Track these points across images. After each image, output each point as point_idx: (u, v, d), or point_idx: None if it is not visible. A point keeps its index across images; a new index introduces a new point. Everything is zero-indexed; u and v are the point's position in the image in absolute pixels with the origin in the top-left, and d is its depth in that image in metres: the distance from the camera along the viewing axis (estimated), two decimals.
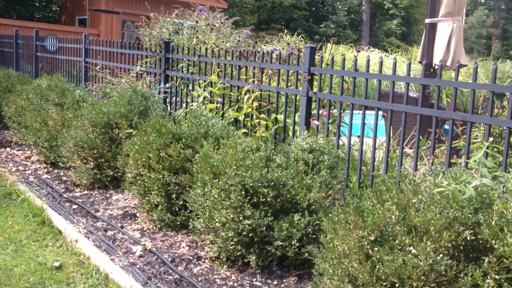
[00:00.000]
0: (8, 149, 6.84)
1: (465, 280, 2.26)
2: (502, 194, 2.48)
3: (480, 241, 2.35)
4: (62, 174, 5.72)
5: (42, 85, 6.82)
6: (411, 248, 2.34)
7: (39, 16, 16.79)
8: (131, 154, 4.43)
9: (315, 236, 3.30)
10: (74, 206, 4.70)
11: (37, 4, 17.15)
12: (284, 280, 3.32)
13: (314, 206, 3.41)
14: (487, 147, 2.72)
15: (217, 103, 5.26)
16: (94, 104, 5.52)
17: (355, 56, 4.17)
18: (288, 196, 3.41)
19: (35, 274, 3.39)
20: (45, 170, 5.89)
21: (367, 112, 3.98)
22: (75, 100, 6.14)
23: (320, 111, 4.38)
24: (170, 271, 3.45)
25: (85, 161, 5.17)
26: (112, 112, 5.27)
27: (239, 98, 5.06)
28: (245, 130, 4.83)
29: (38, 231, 4.11)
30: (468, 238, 2.33)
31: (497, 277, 2.21)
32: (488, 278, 2.19)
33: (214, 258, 3.58)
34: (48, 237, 4.00)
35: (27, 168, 5.94)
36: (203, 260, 3.63)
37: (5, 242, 3.88)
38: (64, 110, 6.01)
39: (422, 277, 2.26)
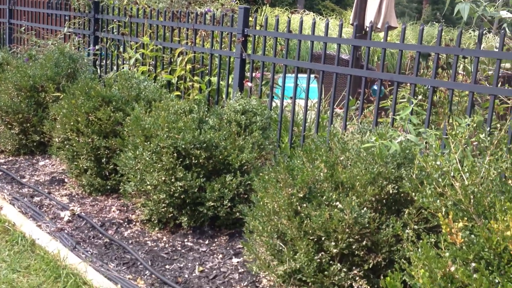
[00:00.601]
0: None
1: (387, 231, 2.34)
2: (424, 149, 2.57)
3: (402, 195, 2.43)
4: None
5: None
6: (337, 203, 2.38)
7: None
8: (58, 118, 4.27)
9: (246, 196, 3.31)
10: None
11: None
12: (216, 240, 3.32)
13: (246, 167, 3.42)
14: (413, 104, 2.79)
15: (149, 66, 5.12)
16: (18, 66, 5.25)
17: (288, 17, 4.15)
18: (220, 157, 3.39)
19: None
20: None
21: (300, 75, 3.98)
22: None
23: (254, 74, 4.35)
24: (100, 235, 3.38)
25: (9, 126, 4.94)
26: (38, 75, 5.05)
27: (172, 60, 4.94)
28: (178, 93, 4.74)
29: None
30: (391, 192, 2.40)
31: (416, 227, 2.30)
32: (408, 228, 2.27)
33: (145, 221, 3.53)
34: None
35: None
36: (134, 223, 3.58)
37: None
38: None
39: (347, 230, 2.31)
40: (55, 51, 5.31)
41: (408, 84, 3.85)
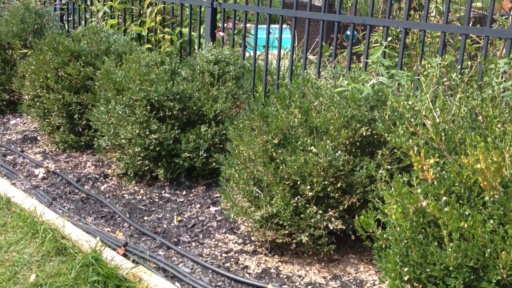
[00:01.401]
0: None
1: (360, 173, 2.37)
2: (397, 91, 2.58)
3: (375, 136, 2.45)
4: None
5: None
6: (312, 147, 2.39)
7: None
8: (27, 75, 4.16)
9: (222, 145, 3.31)
10: None
11: None
12: (193, 190, 3.33)
13: (220, 117, 3.40)
14: (385, 47, 2.78)
15: (118, 19, 4.99)
16: None
17: None
18: (194, 108, 3.36)
19: None
20: None
21: (272, 26, 3.92)
22: None
23: (226, 23, 4.28)
24: (76, 191, 3.36)
25: None
26: (3, 32, 4.91)
27: (141, 12, 4.82)
28: (149, 46, 4.65)
29: None
30: (364, 134, 2.42)
31: (389, 167, 2.33)
32: (381, 169, 2.30)
33: (121, 175, 3.51)
34: None
35: None
36: (110, 177, 3.56)
37: None
38: None
39: (322, 173, 2.33)
40: (20, 7, 5.14)
41: (381, 28, 3.82)
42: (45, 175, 3.58)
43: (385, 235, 1.90)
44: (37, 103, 4.03)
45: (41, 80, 3.97)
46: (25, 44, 4.87)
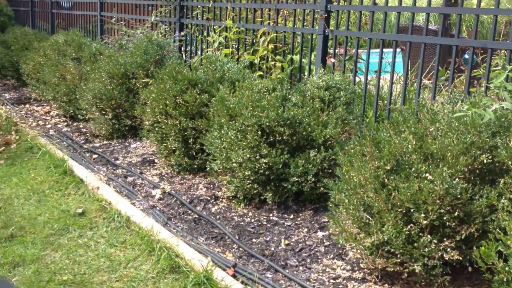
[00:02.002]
0: (27, 105, 6.92)
1: (480, 202, 2.23)
2: None
3: (497, 164, 2.30)
4: (81, 126, 5.78)
5: (59, 41, 6.81)
6: (427, 174, 2.30)
7: None
8: (148, 103, 4.43)
9: (330, 170, 3.28)
10: (94, 156, 4.75)
11: None
12: (300, 214, 3.33)
13: (330, 142, 3.38)
14: (507, 70, 2.62)
15: (232, 48, 5.19)
16: (111, 56, 5.51)
17: None
18: (304, 133, 3.38)
19: (59, 221, 3.46)
20: (65, 123, 5.95)
21: (384, 49, 3.87)
22: (92, 53, 6.13)
23: (337, 49, 4.29)
24: (189, 212, 3.49)
25: (103, 112, 5.20)
26: (128, 63, 5.27)
27: (254, 41, 4.98)
28: (261, 73, 4.77)
29: (60, 181, 4.18)
30: (485, 161, 2.28)
31: None
32: (503, 198, 2.15)
33: (231, 197, 3.60)
34: (70, 186, 4.06)
35: (47, 123, 6.01)
36: (220, 200, 3.66)
37: (28, 193, 3.96)
38: (82, 64, 6.01)
39: (438, 201, 2.22)
40: (143, 40, 5.51)
41: (503, 51, 3.62)
42: (161, 196, 3.76)
43: (507, 268, 1.76)
44: (156, 128, 4.27)
45: (160, 107, 4.21)
46: (147, 73, 5.21)
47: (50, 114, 6.42)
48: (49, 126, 5.87)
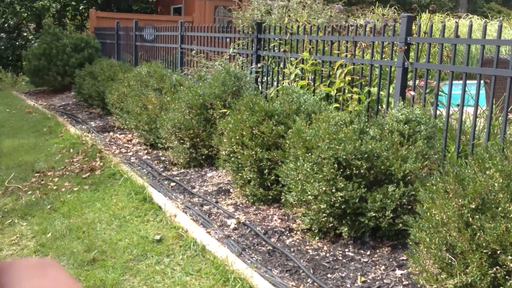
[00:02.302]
0: (111, 133, 7.25)
1: None
2: None
3: None
4: (160, 154, 5.97)
5: (142, 72, 7.13)
6: None
7: (137, 8, 17.60)
8: (225, 133, 4.52)
9: (410, 206, 3.18)
10: (172, 184, 4.89)
11: None
12: (377, 250, 3.24)
13: (409, 177, 3.29)
14: None
15: (308, 80, 5.22)
16: (190, 87, 5.69)
17: (456, 22, 3.95)
18: (382, 167, 3.31)
19: (138, 247, 3.56)
20: (145, 151, 6.17)
21: (467, 81, 3.76)
22: (173, 84, 6.37)
23: (416, 82, 4.20)
24: (263, 243, 3.49)
25: (181, 141, 5.35)
26: (207, 94, 5.41)
27: (330, 73, 4.98)
28: (337, 105, 4.75)
29: (140, 207, 4.32)
30: None
31: None
32: None
33: (305, 230, 3.57)
34: (149, 212, 4.19)
35: (128, 150, 6.26)
36: (295, 232, 3.64)
37: (110, 218, 4.12)
38: (163, 95, 6.25)
39: None
40: (221, 71, 5.66)
41: None
42: (236, 225, 3.80)
43: None
44: (232, 158, 4.34)
45: (237, 137, 4.28)
46: (224, 104, 5.33)
47: (132, 142, 6.69)
48: (130, 153, 6.11)
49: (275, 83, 5.83)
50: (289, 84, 5.31)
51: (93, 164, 5.53)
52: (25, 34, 19.27)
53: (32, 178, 5.29)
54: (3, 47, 18.02)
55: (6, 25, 18.45)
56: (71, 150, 6.25)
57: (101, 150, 6.09)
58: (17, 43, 18.52)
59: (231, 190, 4.63)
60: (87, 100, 8.86)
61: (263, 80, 6.16)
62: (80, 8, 18.84)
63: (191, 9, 15.27)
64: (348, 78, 4.72)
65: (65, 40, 11.06)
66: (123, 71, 8.41)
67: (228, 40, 6.96)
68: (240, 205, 4.25)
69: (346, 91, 4.76)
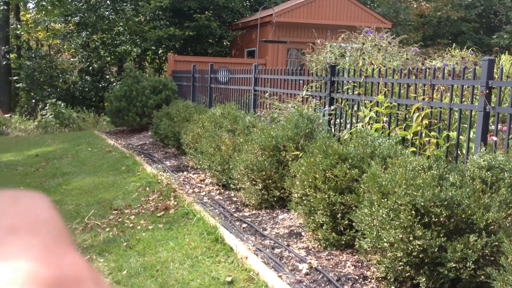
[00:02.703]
0: (185, 173, 7.41)
1: None
2: None
3: None
4: (232, 195, 6.02)
5: (216, 113, 7.31)
6: None
7: (211, 51, 18.21)
8: (297, 175, 4.51)
9: (493, 258, 3.01)
10: (244, 225, 4.90)
11: (211, 41, 18.64)
12: None
13: (492, 227, 3.12)
14: None
15: (383, 123, 5.14)
16: (263, 129, 5.76)
17: None
18: (463, 216, 3.17)
19: None
20: (218, 191, 6.25)
21: None
22: (246, 126, 6.47)
23: (499, 127, 4.03)
24: None
25: (254, 182, 5.38)
26: (279, 136, 5.45)
27: (406, 116, 4.88)
28: (414, 149, 4.63)
29: (211, 248, 4.35)
30: None
31: None
32: None
33: (380, 278, 3.45)
34: (220, 253, 4.20)
35: (201, 190, 6.37)
36: (369, 280, 3.52)
37: (182, 258, 4.17)
38: (236, 136, 6.35)
39: None
40: (294, 113, 5.70)
41: None
42: (308, 270, 3.73)
43: None
44: (305, 201, 4.30)
45: (310, 180, 4.25)
46: (297, 146, 5.33)
47: (204, 182, 6.81)
48: (203, 193, 6.21)
49: (348, 126, 5.79)
50: (363, 127, 5.25)
51: (168, 203, 5.66)
52: (107, 76, 20.38)
53: (110, 215, 5.48)
54: (87, 89, 19.13)
55: (90, 68, 19.63)
56: (147, 189, 6.44)
57: (175, 189, 6.24)
58: (100, 85, 19.60)
59: (302, 233, 4.57)
60: (163, 140, 9.15)
61: (336, 122, 6.13)
62: (159, 52, 19.75)
63: (264, 52, 15.60)
64: (425, 121, 4.61)
65: (144, 83, 11.57)
66: (198, 112, 8.64)
67: (301, 82, 7.03)
68: (312, 249, 4.18)
69: (423, 135, 4.64)
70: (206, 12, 16.66)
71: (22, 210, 0.33)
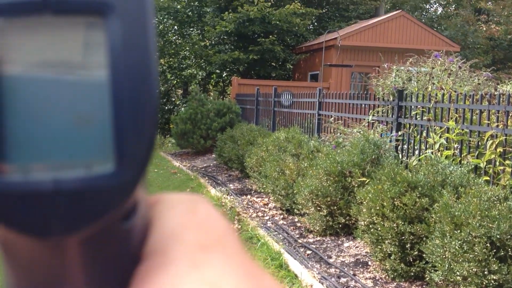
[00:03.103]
0: (248, 196, 7.44)
1: None
2: None
3: None
4: (296, 220, 5.97)
5: (280, 137, 7.32)
6: None
7: (275, 74, 18.36)
8: (364, 202, 4.42)
9: None
10: (308, 252, 4.84)
11: (274, 64, 18.81)
12: None
13: None
14: None
15: (454, 150, 4.97)
16: (328, 154, 5.70)
17: None
18: None
19: None
20: (281, 216, 6.22)
21: None
22: (310, 150, 6.43)
23: None
24: None
25: (318, 208, 5.32)
26: (345, 161, 5.38)
27: (479, 144, 4.70)
28: (487, 178, 4.44)
29: (275, 274, 4.31)
30: None
31: None
32: None
33: None
34: (285, 280, 4.16)
35: (265, 214, 6.36)
36: None
37: None
38: (300, 160, 6.32)
39: None
40: (360, 139, 5.61)
41: None
42: None
43: None
44: (372, 229, 4.20)
45: (377, 208, 4.16)
46: (363, 172, 5.24)
47: (268, 206, 6.80)
48: (267, 217, 6.20)
49: (416, 152, 5.63)
50: (432, 153, 5.10)
51: (232, 227, 5.68)
52: (173, 99, 20.95)
53: None
54: None
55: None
56: None
57: (239, 213, 6.26)
58: (166, 107, 20.17)
59: (369, 262, 4.46)
60: (227, 162, 9.25)
61: (404, 148, 5.99)
62: (223, 75, 20.13)
63: (328, 75, 15.56)
64: (499, 149, 4.41)
65: (209, 106, 11.79)
66: (262, 136, 8.69)
67: (366, 106, 6.93)
68: (380, 279, 4.06)
69: (498, 163, 4.44)
70: (270, 36, 16.85)
71: (201, 220, 0.30)
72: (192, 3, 19.79)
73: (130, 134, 0.26)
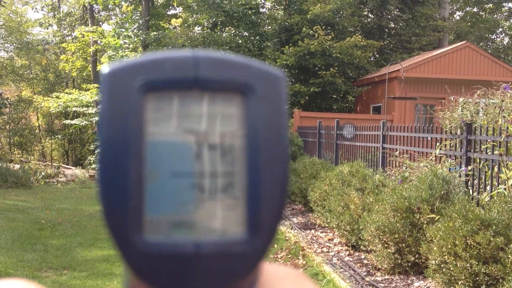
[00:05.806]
0: (312, 231, 7.37)
1: None
2: None
3: None
4: (363, 257, 5.86)
5: (343, 171, 7.25)
6: None
7: (336, 107, 18.27)
8: (435, 240, 4.30)
9: None
10: None
11: (335, 97, 18.75)
12: None
13: None
14: None
15: None
16: (394, 188, 5.60)
17: None
18: None
19: None
20: (347, 252, 6.12)
21: None
22: (375, 185, 6.33)
23: None
24: None
25: (385, 245, 5.21)
26: (413, 197, 5.25)
27: None
28: None
29: None
30: None
31: None
32: None
33: None
34: None
35: (330, 250, 6.27)
36: None
37: None
38: (365, 195, 6.23)
39: None
40: (428, 173, 5.47)
41: None
42: None
43: None
44: (444, 269, 4.06)
45: (448, 246, 4.03)
46: (432, 209, 5.09)
47: (333, 241, 6.71)
48: (332, 253, 6.11)
49: (488, 188, 5.43)
50: (505, 189, 4.91)
51: (296, 262, 5.64)
52: None
53: None
54: None
55: None
56: (275, 246, 6.48)
57: (303, 248, 6.21)
58: None
59: None
60: (290, 196, 9.24)
61: (474, 183, 5.78)
62: None
63: (391, 108, 15.34)
64: None
65: None
66: (325, 169, 8.64)
67: (431, 139, 6.77)
68: None
69: None
70: (331, 69, 16.87)
71: None
72: (253, 38, 20.19)
73: (263, 204, 0.28)
